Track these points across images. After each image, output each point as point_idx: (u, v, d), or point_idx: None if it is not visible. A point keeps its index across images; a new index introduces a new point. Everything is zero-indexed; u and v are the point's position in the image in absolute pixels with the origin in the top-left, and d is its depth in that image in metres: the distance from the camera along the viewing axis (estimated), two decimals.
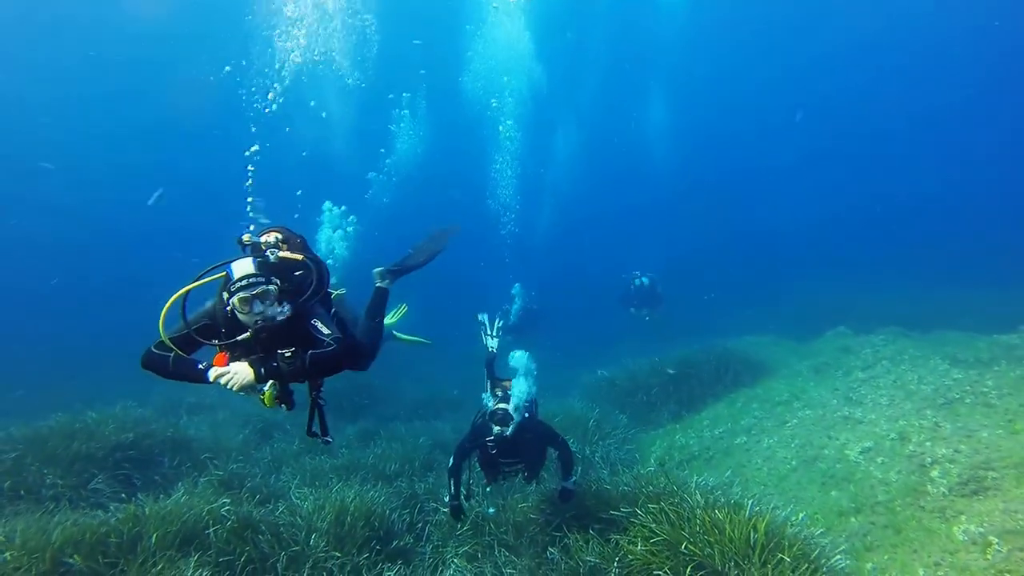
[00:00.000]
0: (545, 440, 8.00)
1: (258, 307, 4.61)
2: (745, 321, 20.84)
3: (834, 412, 10.52)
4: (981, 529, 6.45)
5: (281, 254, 4.99)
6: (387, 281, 7.22)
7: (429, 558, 8.19)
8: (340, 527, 8.03)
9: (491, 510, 8.43)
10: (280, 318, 4.70)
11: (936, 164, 45.03)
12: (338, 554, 7.65)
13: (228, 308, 4.66)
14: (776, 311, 22.22)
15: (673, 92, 37.66)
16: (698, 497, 6.88)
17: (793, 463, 9.59)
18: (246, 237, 5.03)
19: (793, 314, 21.04)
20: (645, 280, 19.19)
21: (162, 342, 4.72)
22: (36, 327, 29.16)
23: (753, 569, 5.49)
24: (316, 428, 5.45)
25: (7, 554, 6.57)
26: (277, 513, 8.35)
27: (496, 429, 7.42)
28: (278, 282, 4.73)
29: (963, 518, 6.76)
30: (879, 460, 8.55)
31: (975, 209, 36.56)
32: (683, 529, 6.15)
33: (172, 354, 4.71)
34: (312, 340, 4.80)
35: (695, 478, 8.26)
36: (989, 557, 6.04)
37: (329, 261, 7.88)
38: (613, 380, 15.26)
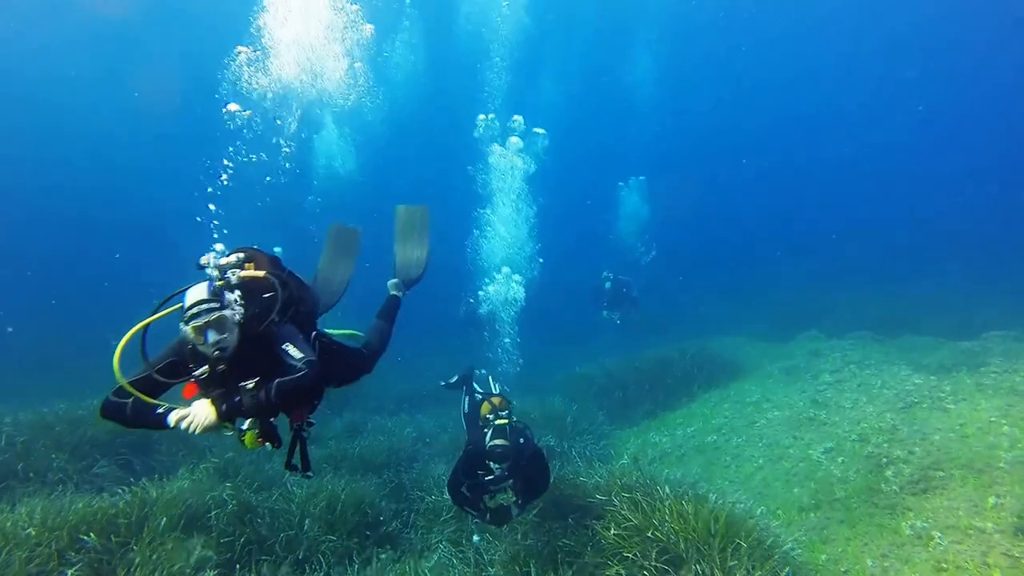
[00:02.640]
0: (537, 469, 7.59)
1: (212, 336, 4.21)
2: (723, 322, 21.33)
3: (800, 413, 11.09)
4: (926, 524, 7.02)
5: (243, 274, 4.63)
6: (400, 292, 7.29)
7: (416, 542, 8.67)
8: (332, 513, 8.49)
9: (476, 538, 8.21)
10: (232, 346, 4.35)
11: (927, 167, 45.51)
12: (332, 537, 8.13)
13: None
14: (754, 313, 22.67)
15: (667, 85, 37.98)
16: (667, 490, 7.39)
17: (760, 461, 10.14)
18: (204, 259, 4.59)
19: (770, 316, 21.51)
20: (610, 282, 19.01)
21: (121, 388, 4.33)
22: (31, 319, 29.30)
23: (713, 553, 6.02)
24: (297, 460, 4.98)
25: (30, 530, 7.00)
26: (272, 499, 8.74)
27: (496, 468, 7.18)
28: (239, 306, 4.39)
29: (911, 514, 7.33)
30: (839, 460, 9.12)
31: (964, 212, 37.06)
32: (652, 517, 6.66)
33: (130, 400, 4.34)
34: (285, 367, 4.37)
35: (665, 472, 8.78)
36: (931, 549, 6.61)
37: None
38: (591, 377, 15.76)
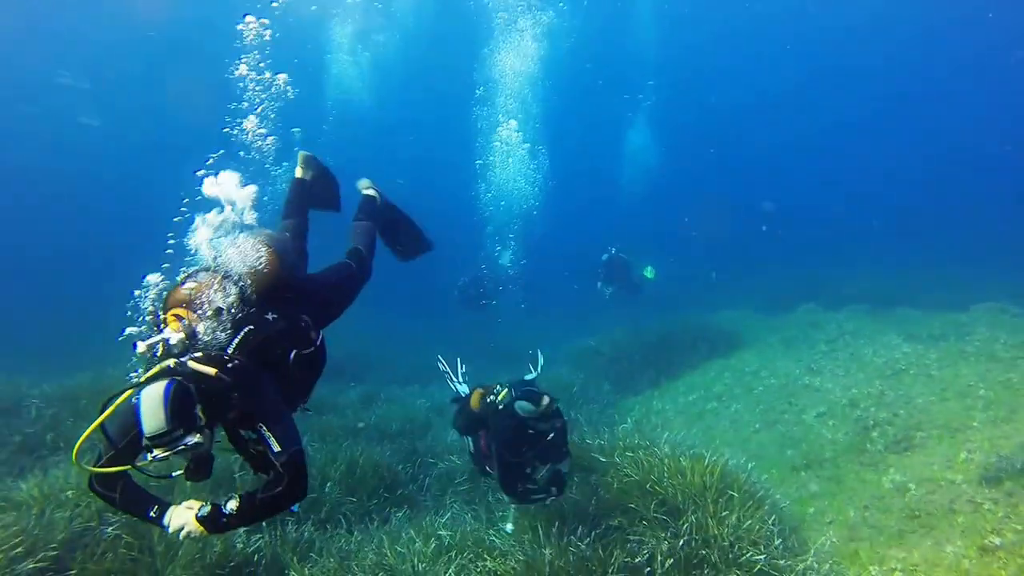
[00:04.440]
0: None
1: (184, 457, 3.66)
2: (725, 295, 21.83)
3: (796, 381, 11.67)
4: (904, 478, 7.61)
5: (193, 366, 3.77)
6: (374, 191, 6.57)
7: (431, 504, 9.23)
8: (352, 477, 9.05)
9: (510, 527, 7.52)
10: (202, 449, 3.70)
11: (921, 145, 45.51)
12: (352, 499, 8.69)
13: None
14: (757, 286, 23.10)
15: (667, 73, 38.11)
16: (666, 449, 7.96)
17: (756, 426, 10.71)
18: (141, 348, 3.89)
19: (771, 289, 21.96)
20: (608, 255, 19.07)
21: (98, 475, 4.00)
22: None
23: (707, 504, 6.58)
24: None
25: (68, 492, 7.54)
26: None
27: (545, 400, 6.61)
28: (199, 424, 3.61)
29: (892, 470, 7.92)
30: (830, 423, 9.71)
31: (961, 189, 37.26)
32: (651, 473, 7.22)
33: (117, 493, 4.03)
34: (265, 454, 3.91)
35: (666, 435, 9.34)
36: (906, 499, 7.20)
37: None
38: (597, 349, 16.33)
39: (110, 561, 6.68)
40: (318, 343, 4.87)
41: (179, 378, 3.60)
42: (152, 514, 4.02)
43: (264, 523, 7.75)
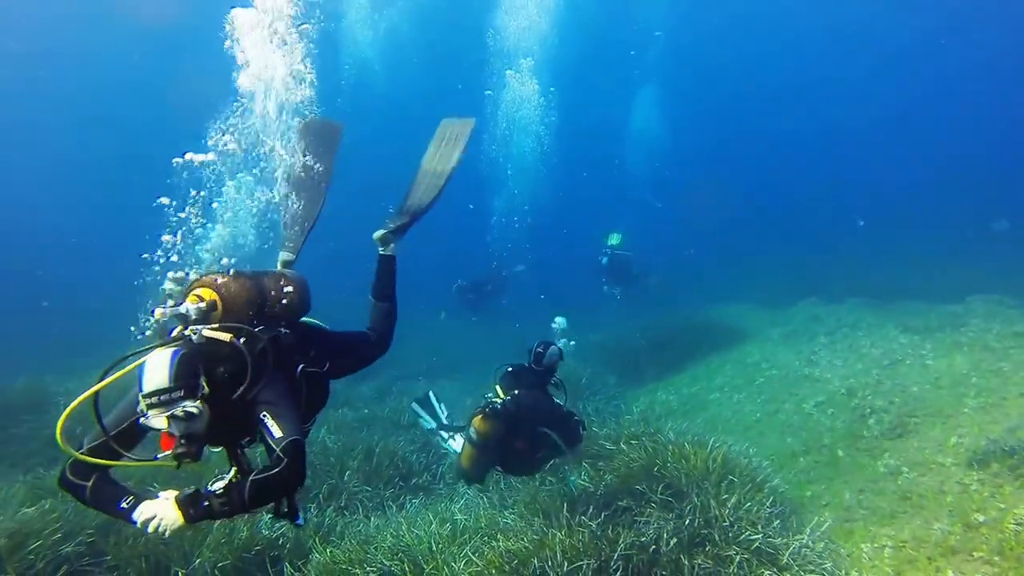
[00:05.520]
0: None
1: (177, 428, 3.46)
2: (727, 290, 22.01)
3: (796, 372, 12.03)
4: (897, 462, 7.97)
5: (208, 333, 3.83)
6: (391, 246, 6.20)
7: (445, 492, 9.57)
8: (369, 465, 9.45)
9: (573, 477, 7.91)
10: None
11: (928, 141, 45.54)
12: (367, 488, 9.07)
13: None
14: (757, 281, 23.32)
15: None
16: (671, 435, 8.35)
17: (758, 415, 11.07)
18: (158, 313, 3.90)
19: (773, 284, 22.20)
20: (607, 257, 18.75)
21: (76, 461, 3.70)
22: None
23: (709, 486, 6.95)
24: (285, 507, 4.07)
25: None
26: (313, 454, 9.65)
27: (553, 347, 7.11)
28: (201, 393, 3.54)
29: (887, 455, 8.28)
30: (829, 411, 10.08)
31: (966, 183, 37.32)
32: (657, 458, 7.59)
33: (90, 483, 3.72)
34: (263, 443, 3.76)
35: (670, 425, 9.69)
36: (899, 483, 7.56)
37: None
38: (603, 343, 16.75)
39: (142, 545, 7.05)
40: (325, 369, 4.80)
41: (192, 344, 3.68)
42: (124, 505, 3.66)
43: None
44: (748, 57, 44.36)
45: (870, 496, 7.57)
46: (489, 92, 22.44)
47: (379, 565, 6.46)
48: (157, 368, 3.41)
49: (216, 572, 6.68)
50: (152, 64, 36.71)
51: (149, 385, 3.38)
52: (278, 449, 3.58)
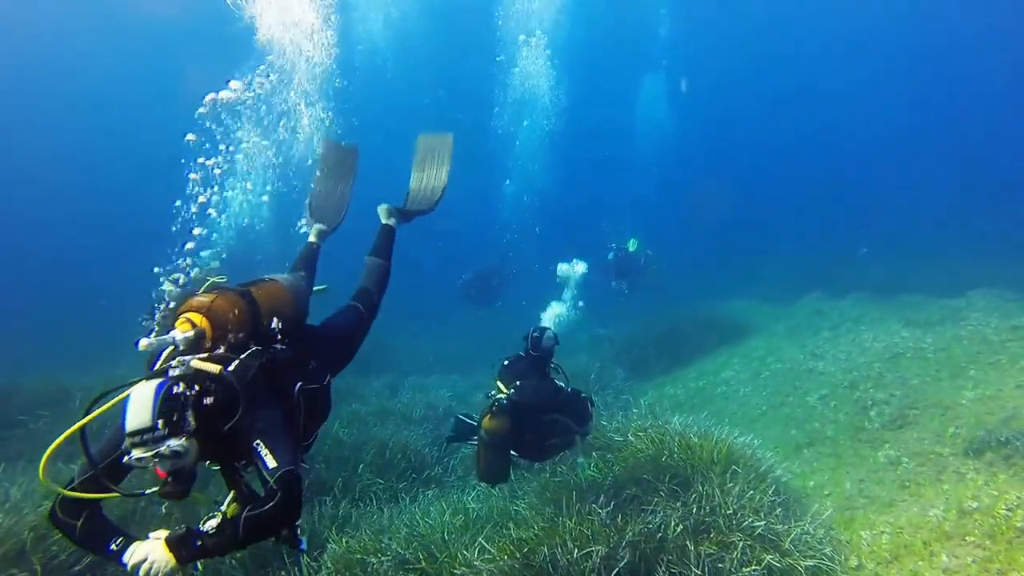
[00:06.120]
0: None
1: (163, 467, 3.31)
2: (733, 285, 22.27)
3: (800, 366, 12.27)
4: (897, 453, 8.21)
5: (196, 364, 3.57)
6: (394, 220, 6.37)
7: (456, 485, 9.78)
8: (381, 458, 9.66)
9: (581, 459, 8.00)
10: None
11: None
12: (380, 481, 9.27)
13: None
14: (763, 276, 23.53)
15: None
16: (677, 427, 8.57)
17: (763, 408, 11.31)
18: (144, 344, 3.60)
19: (778, 279, 22.42)
20: (613, 252, 18.70)
21: (64, 498, 3.55)
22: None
23: (714, 476, 7.17)
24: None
25: None
26: (326, 448, 9.83)
27: (547, 332, 7.43)
28: (188, 430, 3.35)
29: (887, 446, 8.52)
30: (832, 404, 10.32)
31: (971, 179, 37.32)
32: (663, 449, 7.81)
33: (79, 522, 3.55)
34: (258, 474, 3.56)
35: (676, 418, 9.92)
36: (898, 472, 7.80)
37: None
38: (611, 339, 17.08)
39: None
40: (324, 383, 4.67)
41: (178, 375, 3.44)
42: (113, 547, 3.48)
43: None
44: (756, 57, 44.47)
45: (870, 485, 7.80)
46: (500, 58, 22.64)
47: (394, 553, 6.65)
48: (140, 405, 3.23)
49: (233, 561, 6.85)
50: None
51: (132, 424, 3.20)
52: (272, 481, 3.41)
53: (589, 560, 5.93)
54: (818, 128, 47.30)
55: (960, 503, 6.41)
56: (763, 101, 46.89)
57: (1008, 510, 5.91)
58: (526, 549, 6.19)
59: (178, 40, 35.14)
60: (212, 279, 7.16)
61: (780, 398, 11.35)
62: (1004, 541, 5.53)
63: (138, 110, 40.97)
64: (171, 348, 3.68)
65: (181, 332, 3.71)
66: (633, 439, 8.29)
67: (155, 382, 3.31)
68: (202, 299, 3.96)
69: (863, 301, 15.74)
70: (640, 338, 16.47)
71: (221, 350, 3.85)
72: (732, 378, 13.18)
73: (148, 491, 3.44)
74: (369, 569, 6.47)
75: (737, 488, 6.96)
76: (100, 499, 3.57)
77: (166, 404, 3.25)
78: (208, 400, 3.46)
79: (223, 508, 3.62)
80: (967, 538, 5.83)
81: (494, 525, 7.16)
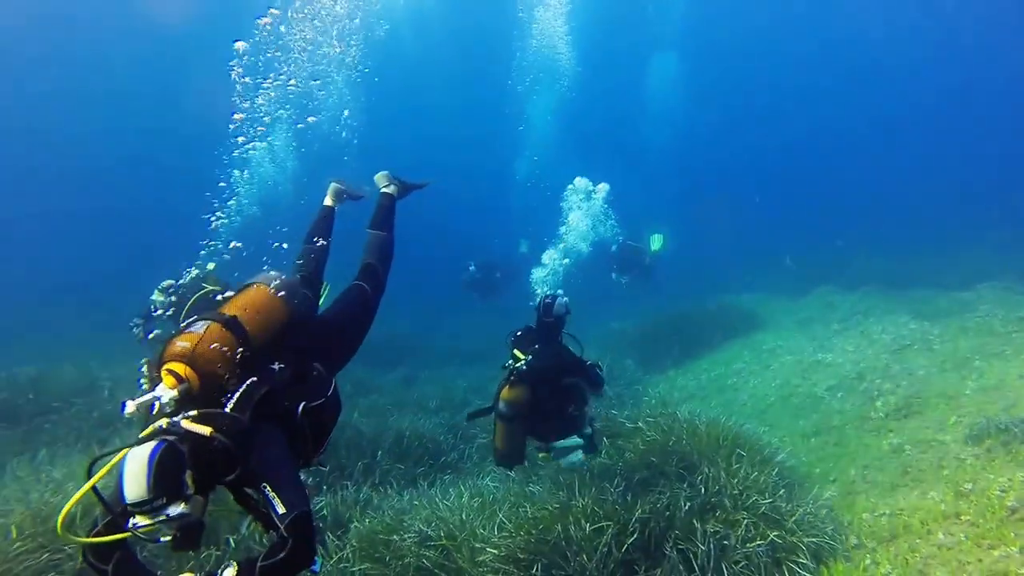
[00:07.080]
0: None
1: (168, 528, 3.28)
2: (744, 279, 22.48)
3: (809, 357, 12.50)
4: (901, 441, 8.45)
5: (187, 425, 3.43)
6: (393, 188, 6.16)
7: (473, 470, 10.07)
8: (400, 446, 9.98)
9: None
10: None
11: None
12: (400, 466, 9.59)
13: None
14: (774, 269, 23.74)
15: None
16: (685, 414, 8.86)
17: (772, 399, 11.56)
18: (130, 408, 3.40)
19: (794, 271, 22.68)
20: (617, 245, 18.41)
21: (91, 546, 3.62)
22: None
23: (719, 459, 7.45)
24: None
25: None
26: (346, 436, 10.06)
27: (556, 300, 7.64)
28: (187, 493, 3.25)
29: (891, 435, 8.76)
30: (839, 395, 10.56)
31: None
32: (671, 434, 8.09)
33: (110, 566, 3.61)
34: (267, 516, 3.55)
35: (686, 408, 10.18)
36: (901, 459, 8.04)
37: None
38: (623, 331, 17.34)
39: None
40: (330, 392, 4.52)
41: (170, 439, 3.28)
42: None
43: (325, 486, 8.66)
44: (769, 53, 44.49)
45: (873, 472, 8.05)
46: (522, 13, 22.89)
47: (417, 530, 6.93)
48: (135, 477, 3.12)
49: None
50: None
51: (130, 496, 3.12)
52: (282, 527, 3.41)
53: (601, 536, 6.21)
54: (832, 119, 47.26)
55: (957, 486, 6.67)
56: (776, 97, 46.90)
57: (1001, 491, 6.17)
58: (542, 527, 6.47)
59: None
60: (207, 287, 7.32)
61: (789, 389, 11.59)
62: (995, 520, 5.78)
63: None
64: (158, 407, 3.51)
65: (167, 389, 3.54)
66: (643, 425, 8.57)
67: (148, 448, 3.19)
68: (184, 344, 3.75)
69: (873, 294, 15.97)
70: (651, 331, 16.72)
71: (218, 387, 3.74)
72: (742, 369, 13.42)
73: (162, 539, 3.35)
74: (392, 546, 6.73)
75: (742, 470, 7.24)
76: (122, 539, 3.54)
77: (161, 472, 3.15)
78: (204, 459, 3.37)
79: (243, 531, 3.98)
80: (962, 517, 6.08)
81: (511, 506, 7.39)
